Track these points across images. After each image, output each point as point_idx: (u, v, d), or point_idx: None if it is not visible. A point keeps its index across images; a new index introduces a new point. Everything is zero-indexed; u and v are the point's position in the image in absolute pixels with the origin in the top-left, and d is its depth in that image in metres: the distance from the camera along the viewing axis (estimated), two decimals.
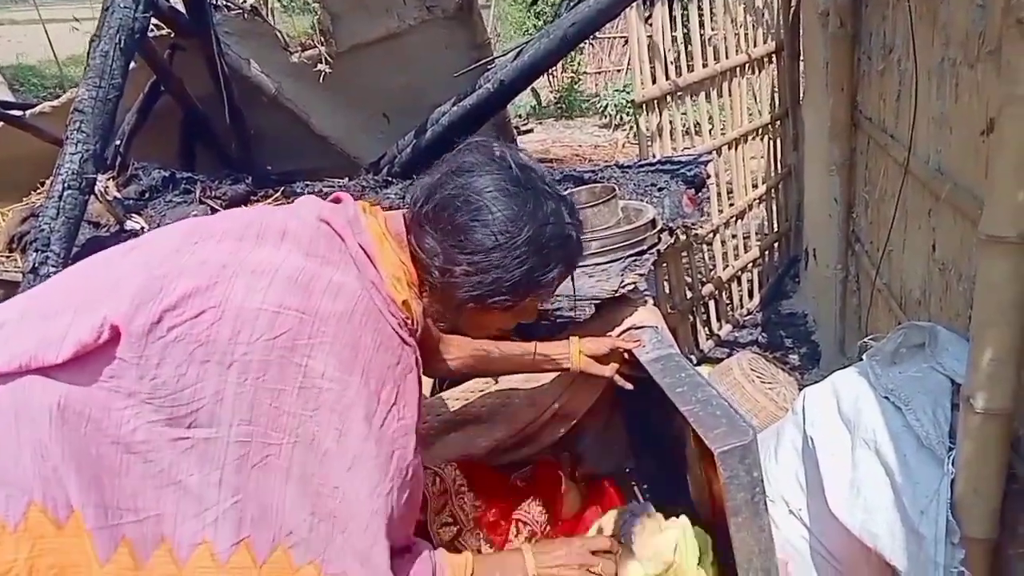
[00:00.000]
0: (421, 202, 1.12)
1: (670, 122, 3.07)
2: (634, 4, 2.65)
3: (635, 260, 1.86)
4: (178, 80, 2.82)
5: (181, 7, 2.63)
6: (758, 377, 2.41)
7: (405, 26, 2.91)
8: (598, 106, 9.38)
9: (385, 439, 1.04)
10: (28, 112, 3.07)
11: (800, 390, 2.45)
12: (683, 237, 2.73)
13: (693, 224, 2.20)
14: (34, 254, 2.04)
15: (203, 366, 0.95)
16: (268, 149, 3.22)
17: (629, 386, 1.64)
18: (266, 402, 0.97)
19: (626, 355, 1.62)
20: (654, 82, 2.98)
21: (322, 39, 2.93)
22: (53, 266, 2.04)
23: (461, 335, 1.50)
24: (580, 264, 1.85)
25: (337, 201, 1.19)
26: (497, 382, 1.82)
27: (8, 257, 2.32)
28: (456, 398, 1.83)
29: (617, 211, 2.02)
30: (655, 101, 2.97)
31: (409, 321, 1.12)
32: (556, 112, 10.22)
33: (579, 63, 10.47)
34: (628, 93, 8.79)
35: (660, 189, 2.36)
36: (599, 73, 10.77)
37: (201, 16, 2.63)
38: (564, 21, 2.28)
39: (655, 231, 1.96)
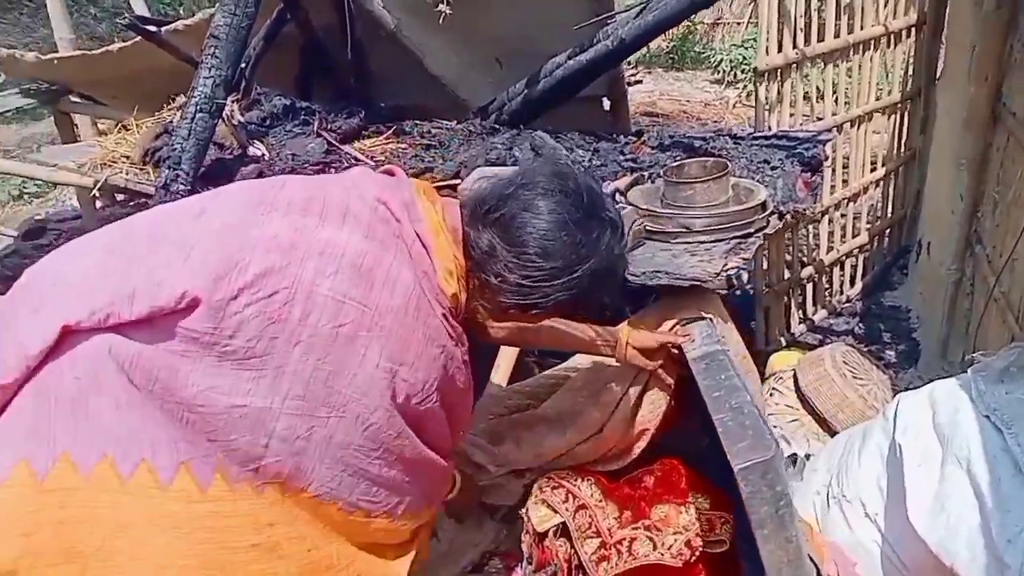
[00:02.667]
0: (489, 207, 1.18)
1: (791, 92, 2.94)
2: None
3: (740, 243, 1.83)
4: (304, 10, 2.89)
5: None
6: (850, 371, 2.35)
7: None
8: (712, 60, 8.99)
9: (424, 418, 1.16)
10: (164, 29, 3.22)
11: (893, 390, 2.38)
12: (792, 221, 2.65)
13: (805, 210, 2.13)
14: (166, 171, 2.17)
15: (271, 342, 1.03)
16: (381, 84, 3.28)
17: (670, 380, 1.67)
18: (321, 381, 1.06)
19: (675, 350, 1.63)
20: (780, 50, 2.85)
21: None
22: (183, 184, 2.17)
23: None
24: (684, 240, 1.85)
25: (390, 174, 1.26)
26: (563, 383, 1.85)
27: (142, 169, 2.47)
28: (524, 394, 1.88)
29: (727, 189, 1.98)
30: (778, 70, 2.84)
31: (455, 311, 1.20)
32: (666, 62, 9.85)
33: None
34: (745, 49, 8.36)
35: (773, 168, 2.28)
36: (717, 24, 10.28)
37: None
38: None
39: (765, 214, 1.91)
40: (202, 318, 1.01)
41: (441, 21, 3.00)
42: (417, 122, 3.03)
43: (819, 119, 3.13)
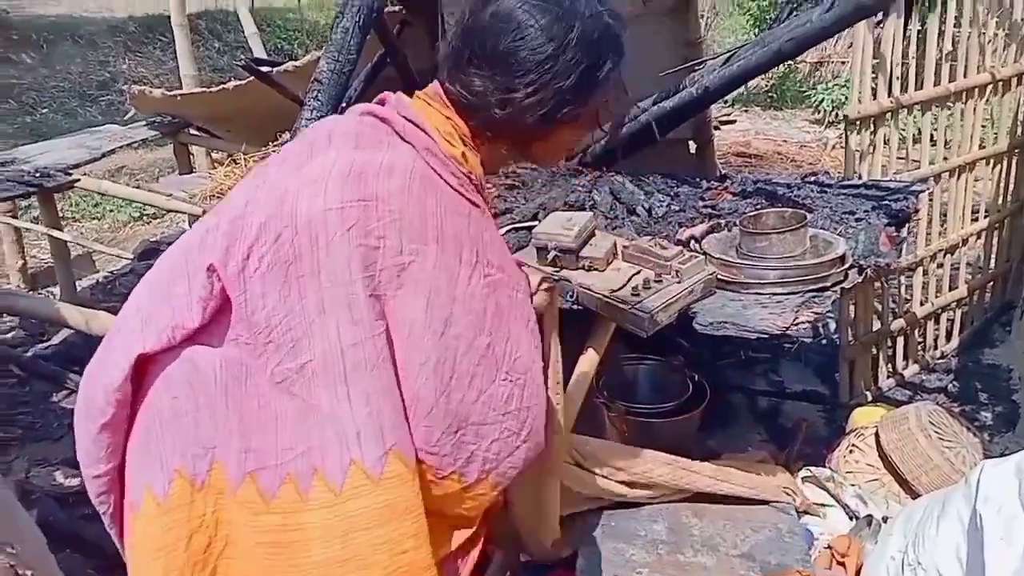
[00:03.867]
0: (455, 51, 1.12)
1: (885, 141, 2.86)
2: None
3: (815, 297, 1.80)
4: (403, 54, 3.05)
5: None
6: (936, 432, 2.24)
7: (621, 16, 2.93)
8: (812, 99, 8.79)
9: (475, 298, 1.08)
10: (275, 70, 3.47)
11: (985, 454, 2.25)
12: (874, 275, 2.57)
13: (888, 264, 2.08)
14: None
15: (299, 281, 0.99)
16: None
17: None
18: (361, 295, 0.99)
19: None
20: (874, 97, 2.79)
21: None
22: None
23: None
24: (756, 291, 1.84)
25: (381, 102, 1.20)
26: None
27: None
28: None
29: (805, 240, 1.96)
30: (871, 119, 2.78)
31: (472, 176, 1.14)
32: (765, 100, 9.70)
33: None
34: (848, 88, 8.14)
35: (858, 219, 2.23)
36: (821, 63, 10.04)
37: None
38: (782, 33, 2.20)
39: (843, 268, 1.88)
40: (231, 289, 1.01)
41: None
42: None
43: (916, 165, 3.03)
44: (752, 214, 2.05)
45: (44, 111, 10.16)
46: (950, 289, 3.34)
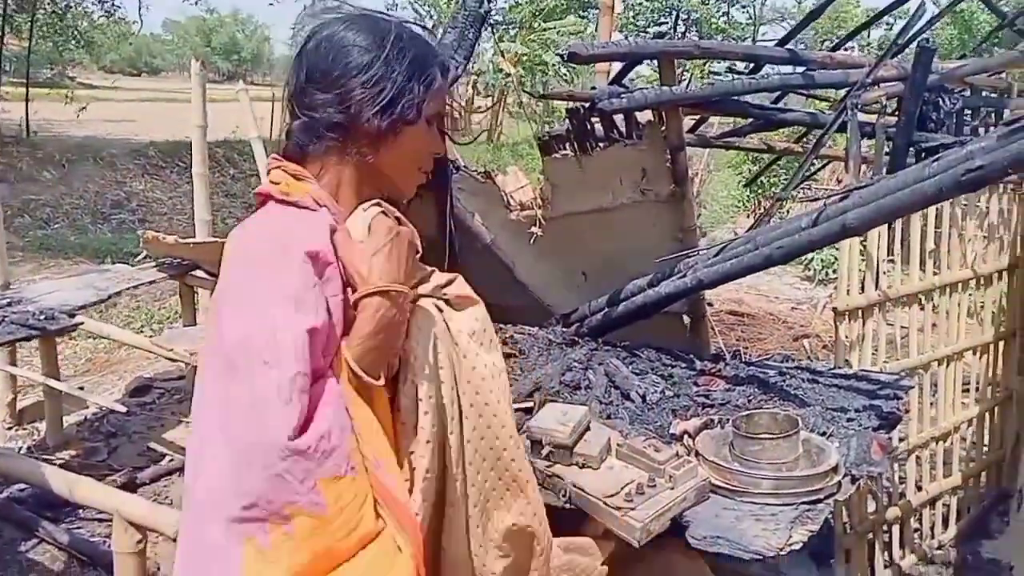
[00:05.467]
0: (298, 88, 1.14)
1: (873, 332, 2.94)
2: None
3: (808, 510, 1.79)
4: (410, 223, 3.19)
5: None
6: None
7: (618, 203, 3.08)
8: (803, 257, 9.07)
9: None
10: None
11: None
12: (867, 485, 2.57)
13: (880, 474, 2.08)
14: None
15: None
16: (475, 287, 3.50)
17: None
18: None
19: None
20: (862, 290, 2.90)
21: (539, 203, 3.18)
22: None
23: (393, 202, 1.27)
24: (750, 500, 1.83)
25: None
26: None
27: None
28: None
29: (798, 446, 1.97)
30: (860, 310, 2.87)
31: (323, 203, 1.13)
32: None
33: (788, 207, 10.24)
34: (837, 249, 8.44)
35: (849, 419, 2.26)
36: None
37: (443, 175, 2.98)
38: (773, 238, 2.32)
39: (836, 479, 1.88)
40: None
41: (532, 242, 3.25)
42: (502, 325, 3.20)
43: (905, 353, 3.10)
44: (745, 414, 2.08)
45: (57, 226, 10.43)
46: (944, 476, 3.32)
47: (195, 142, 4.27)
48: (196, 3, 21.58)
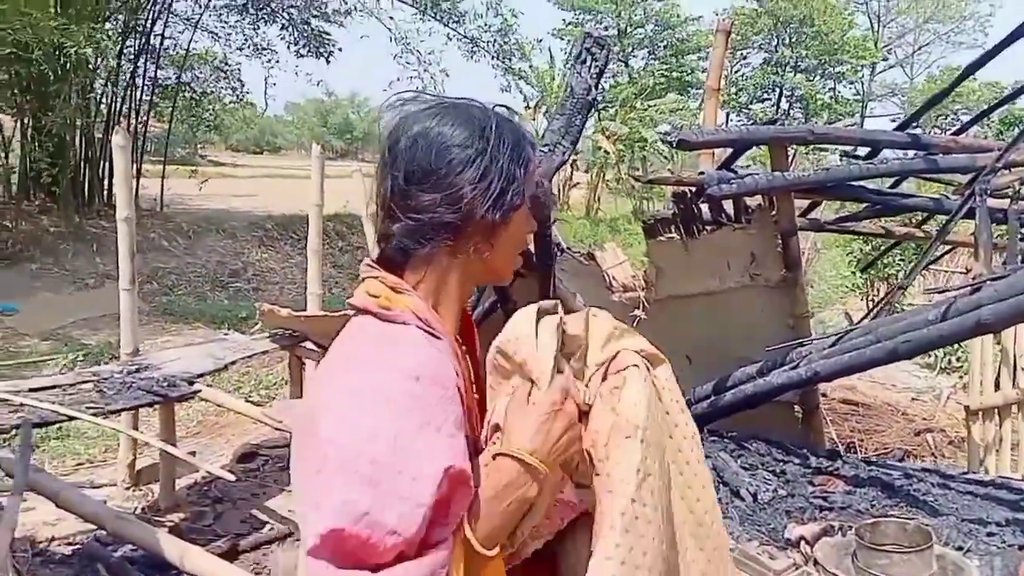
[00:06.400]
0: (396, 190, 1.07)
1: (1013, 433, 2.69)
2: None
3: None
4: (514, 301, 3.21)
5: (531, 246, 3.04)
6: None
7: (726, 287, 3.02)
8: None
9: None
10: None
11: None
12: None
13: None
14: None
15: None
16: None
17: None
18: None
19: None
20: (997, 387, 2.67)
21: (644, 285, 3.15)
22: None
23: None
24: None
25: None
26: None
27: None
28: None
29: (931, 562, 1.80)
30: (996, 410, 2.64)
31: (429, 319, 1.05)
32: None
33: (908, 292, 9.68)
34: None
35: (990, 534, 2.05)
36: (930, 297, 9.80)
37: (547, 256, 3.01)
38: (897, 331, 2.18)
39: None
40: None
41: (635, 324, 3.21)
42: None
43: None
44: (870, 521, 1.92)
45: (180, 292, 11.20)
46: None
47: (312, 220, 4.50)
48: (319, 84, 23.08)
